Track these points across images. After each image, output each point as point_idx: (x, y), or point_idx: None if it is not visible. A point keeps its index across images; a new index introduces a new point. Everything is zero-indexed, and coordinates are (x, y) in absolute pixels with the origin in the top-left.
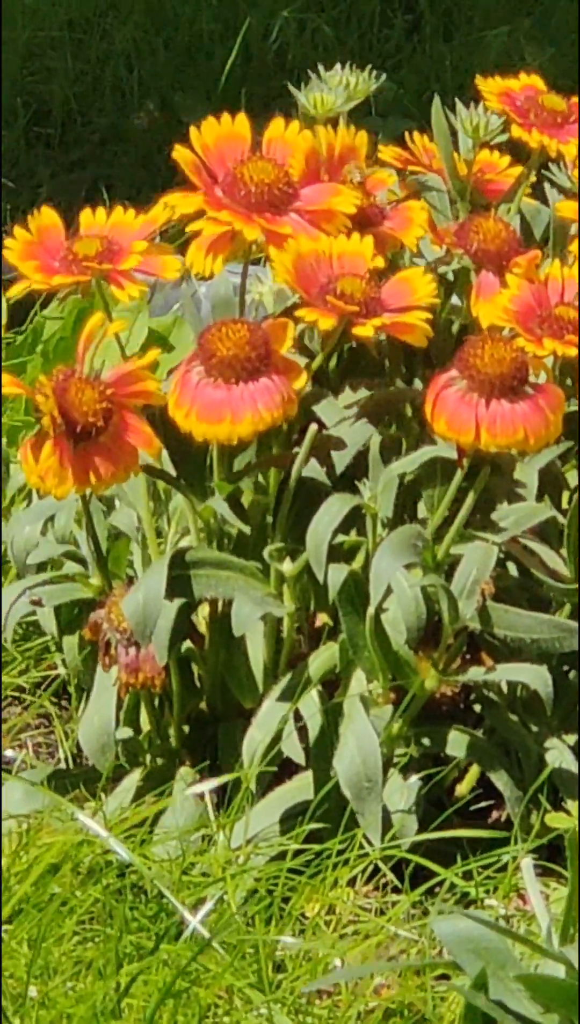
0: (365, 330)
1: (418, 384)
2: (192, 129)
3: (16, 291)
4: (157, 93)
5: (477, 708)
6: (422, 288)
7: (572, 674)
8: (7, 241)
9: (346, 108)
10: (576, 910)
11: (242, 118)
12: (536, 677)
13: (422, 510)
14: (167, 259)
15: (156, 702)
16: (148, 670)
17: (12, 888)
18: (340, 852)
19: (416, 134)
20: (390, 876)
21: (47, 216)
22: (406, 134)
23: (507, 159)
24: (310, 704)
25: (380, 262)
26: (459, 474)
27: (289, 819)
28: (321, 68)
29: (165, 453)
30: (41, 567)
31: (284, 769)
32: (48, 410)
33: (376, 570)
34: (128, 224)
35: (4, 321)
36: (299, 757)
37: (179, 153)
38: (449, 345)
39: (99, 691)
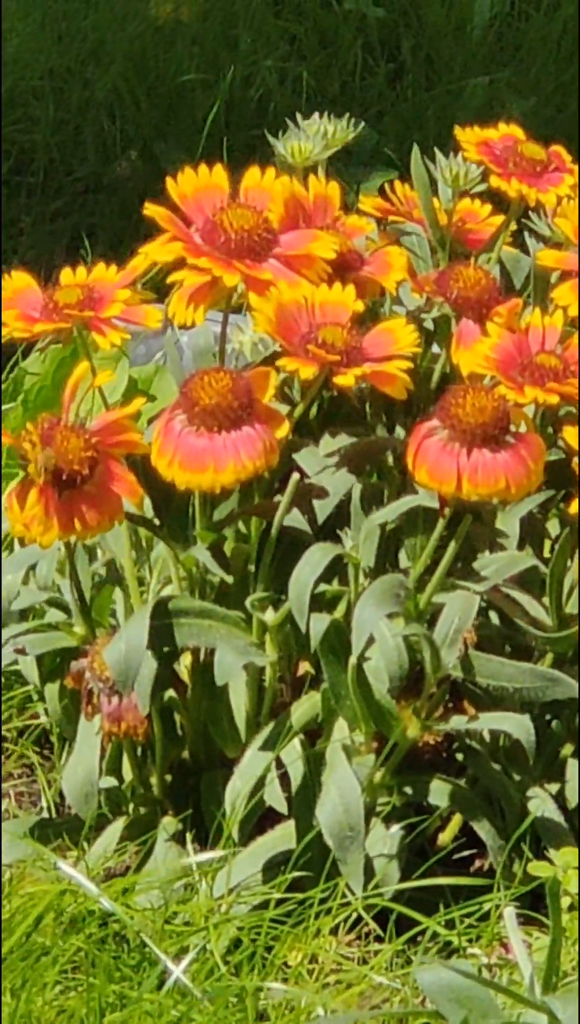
0: (346, 379)
1: (399, 432)
2: (169, 180)
3: None
4: (139, 142)
5: (460, 757)
6: (404, 338)
7: (554, 723)
8: None
9: (324, 156)
10: (558, 959)
11: (219, 168)
12: (518, 726)
13: (404, 559)
14: (149, 308)
15: (139, 751)
16: (131, 719)
17: None
18: (323, 901)
19: (397, 183)
20: (373, 925)
21: (20, 279)
22: (386, 184)
23: (488, 208)
24: (292, 753)
25: (359, 306)
26: (441, 523)
27: (272, 868)
28: (299, 117)
29: (147, 501)
30: (23, 616)
31: (266, 818)
32: (35, 457)
33: (358, 619)
34: (108, 279)
35: None
36: (281, 806)
37: (152, 210)
38: (430, 394)
39: (82, 740)
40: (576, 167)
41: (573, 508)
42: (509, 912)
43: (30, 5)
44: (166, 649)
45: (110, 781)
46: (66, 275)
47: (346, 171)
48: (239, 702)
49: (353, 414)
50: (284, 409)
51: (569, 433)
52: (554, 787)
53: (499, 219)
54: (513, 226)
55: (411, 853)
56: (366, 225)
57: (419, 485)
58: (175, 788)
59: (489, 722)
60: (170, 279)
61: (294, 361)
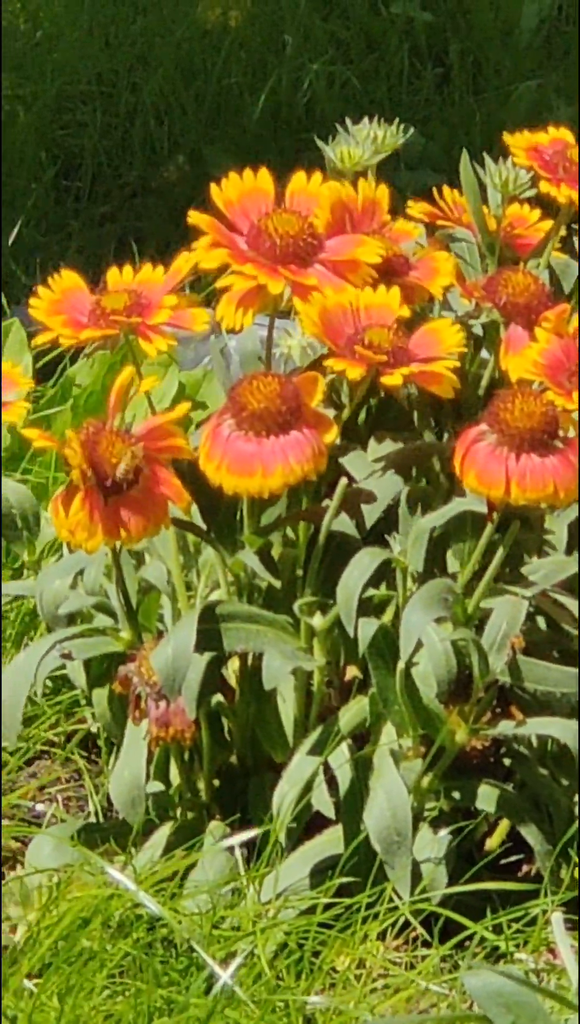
0: (393, 379)
1: (447, 437)
2: (213, 186)
3: (42, 340)
4: (186, 146)
5: (507, 762)
6: (450, 339)
7: None
8: (32, 300)
9: (373, 161)
10: None
11: (264, 173)
12: (566, 731)
13: (452, 564)
14: (196, 312)
15: (186, 756)
16: (178, 724)
17: (42, 941)
18: (370, 906)
19: (446, 188)
20: (420, 930)
21: (69, 278)
22: (434, 189)
23: (538, 213)
24: (340, 757)
25: (406, 312)
26: (489, 528)
27: (319, 873)
28: (349, 121)
29: (195, 507)
30: (71, 620)
31: (314, 823)
32: (77, 464)
33: (406, 624)
34: (156, 280)
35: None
36: (329, 811)
37: (196, 217)
38: (478, 399)
39: (129, 745)
40: None
41: None
42: (557, 917)
43: (78, 10)
44: (214, 654)
45: (157, 786)
46: (113, 276)
47: (393, 176)
48: (287, 707)
49: (401, 419)
50: (332, 413)
51: None
52: None
53: (548, 224)
54: (563, 231)
55: (458, 858)
56: (413, 230)
57: (467, 490)
58: (223, 793)
59: (536, 727)
60: (218, 284)
61: (341, 362)
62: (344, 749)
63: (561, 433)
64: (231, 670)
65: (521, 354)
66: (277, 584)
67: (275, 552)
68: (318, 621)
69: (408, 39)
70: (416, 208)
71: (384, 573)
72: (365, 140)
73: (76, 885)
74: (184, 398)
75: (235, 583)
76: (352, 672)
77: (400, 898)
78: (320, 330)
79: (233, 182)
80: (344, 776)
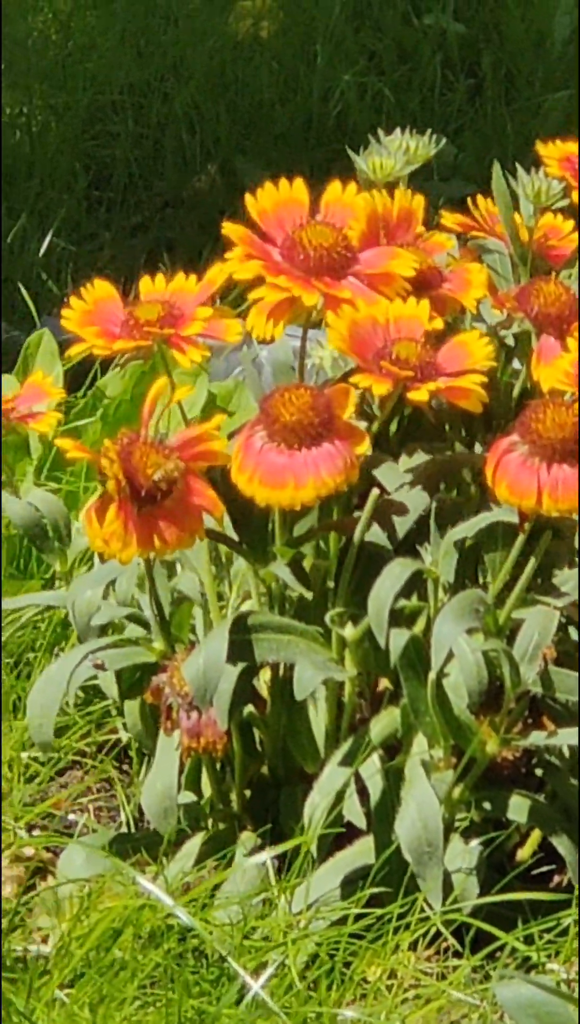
0: (419, 395)
1: (478, 448)
2: (248, 196)
3: (76, 351)
4: (218, 157)
5: (538, 772)
6: (479, 352)
7: None
8: (64, 311)
9: (405, 172)
10: None
11: (299, 183)
12: None
13: (483, 574)
14: (229, 323)
15: (218, 766)
16: (210, 734)
17: (73, 952)
18: (401, 916)
19: (479, 198)
20: (451, 940)
21: (101, 288)
22: (467, 199)
23: (571, 223)
24: (371, 768)
25: (438, 323)
26: (520, 538)
27: (350, 883)
28: (381, 132)
29: (227, 517)
30: (103, 631)
31: (345, 833)
32: (112, 474)
33: (438, 635)
34: (188, 289)
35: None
36: (360, 821)
37: (229, 228)
38: (510, 409)
39: (161, 755)
40: None
41: None
42: None
43: (110, 21)
44: (245, 664)
45: (189, 796)
46: (145, 284)
47: (425, 186)
48: (318, 717)
49: (432, 430)
50: (363, 425)
51: None
52: None
53: None
54: None
55: (490, 868)
56: (447, 242)
57: (499, 500)
58: (254, 803)
59: (568, 737)
60: (250, 296)
61: (368, 377)
62: (375, 760)
63: None
64: (263, 681)
65: (553, 364)
66: (309, 595)
67: (307, 563)
68: (350, 632)
69: (441, 50)
70: (449, 219)
71: (415, 584)
72: (397, 151)
73: (108, 895)
74: (215, 408)
75: (267, 594)
76: (383, 683)
77: (431, 908)
78: (347, 345)
79: (268, 192)
80: (375, 787)
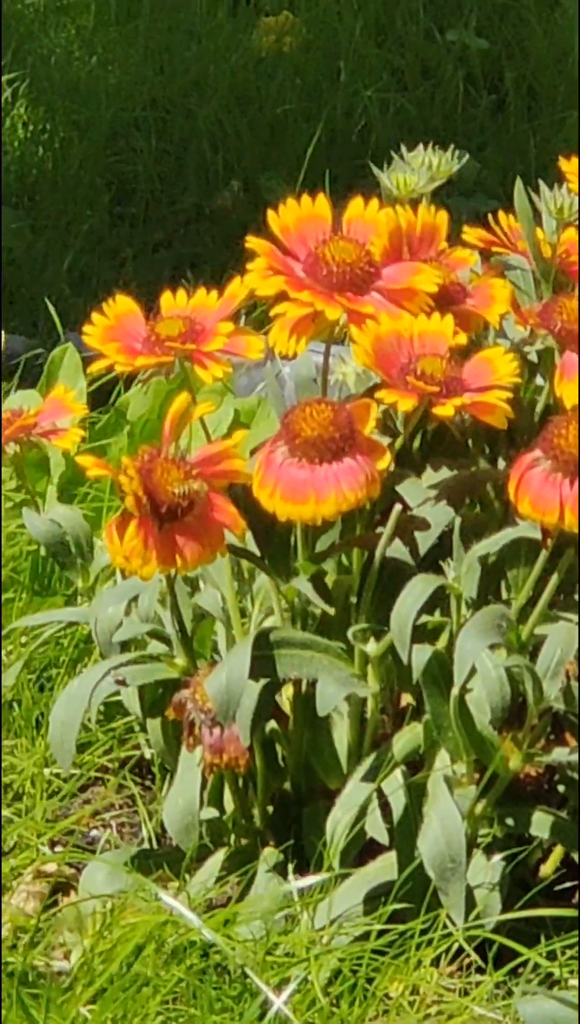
0: (445, 410)
1: (501, 464)
2: (270, 212)
3: (98, 367)
4: (241, 173)
5: (561, 788)
6: (503, 367)
7: None
8: (86, 327)
9: (429, 188)
10: None
11: (322, 199)
12: None
13: (506, 590)
14: (251, 339)
15: (240, 782)
16: (232, 751)
17: (96, 968)
18: (424, 932)
19: (500, 215)
20: (474, 956)
21: (123, 304)
22: (489, 215)
23: None
24: (394, 784)
25: (462, 339)
26: (543, 555)
27: (373, 899)
28: (403, 148)
29: (249, 533)
30: (125, 647)
31: (368, 849)
32: (131, 490)
33: (460, 651)
34: (210, 305)
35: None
36: (383, 837)
37: (253, 243)
38: (533, 425)
39: (183, 771)
40: None
41: None
42: None
43: (133, 37)
44: (268, 680)
45: (211, 812)
46: (167, 301)
47: (448, 202)
48: (341, 733)
49: (455, 446)
50: (386, 440)
51: None
52: None
53: None
54: None
55: (512, 884)
56: (470, 257)
57: (522, 516)
58: (276, 819)
59: None
60: (273, 311)
61: (393, 393)
62: (398, 775)
63: None
64: (285, 697)
65: (575, 381)
66: (331, 611)
67: (329, 579)
68: (372, 648)
69: (463, 66)
70: (472, 234)
71: (438, 600)
72: (420, 167)
73: (130, 911)
74: (238, 425)
75: (289, 610)
76: (406, 699)
77: (454, 924)
78: (372, 360)
79: (290, 208)
80: (398, 802)
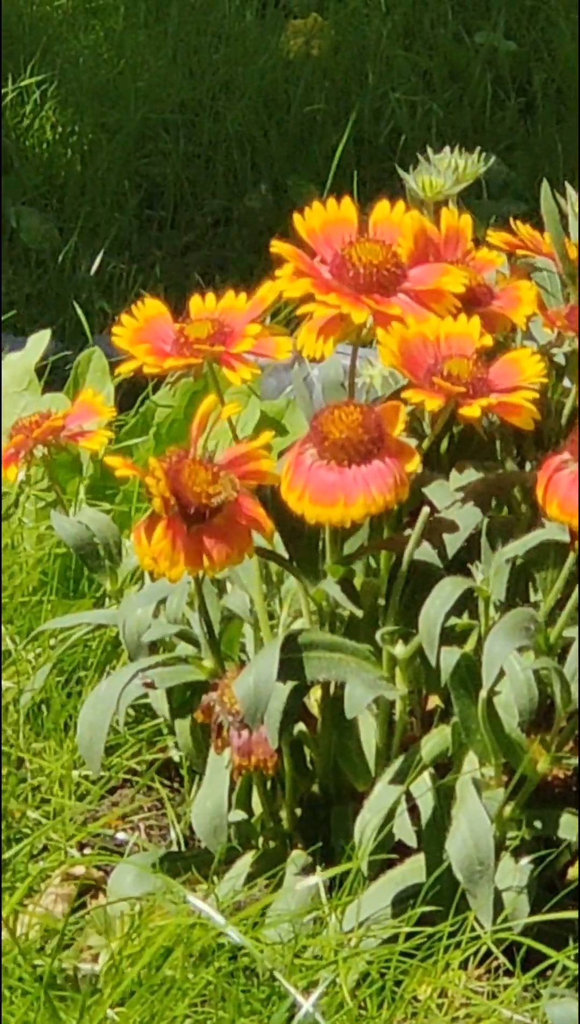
0: (472, 411)
1: (529, 467)
2: (296, 215)
3: (126, 368)
4: (269, 175)
5: None
6: (530, 368)
7: None
8: (115, 328)
9: (455, 191)
10: None
11: (347, 202)
12: None
13: (534, 593)
14: (279, 341)
15: (268, 785)
16: (261, 753)
17: (124, 970)
18: (452, 935)
19: (518, 224)
20: (502, 959)
21: (153, 306)
22: (514, 218)
23: None
24: (422, 786)
25: (488, 340)
26: (572, 557)
27: (401, 902)
28: (430, 150)
29: (277, 535)
30: (153, 649)
31: (396, 852)
32: (159, 492)
33: (489, 653)
34: (238, 308)
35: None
36: (411, 839)
37: (279, 246)
38: (560, 428)
39: (211, 774)
40: None
41: None
42: None
43: (162, 39)
44: (296, 683)
45: (239, 815)
46: (196, 304)
47: (476, 205)
48: (369, 736)
49: (483, 448)
50: (414, 443)
51: None
52: None
53: None
54: None
55: (540, 887)
56: (496, 259)
57: (550, 518)
58: (305, 822)
59: None
60: (300, 312)
61: (420, 393)
62: (426, 778)
63: None
64: (313, 699)
65: None
66: (359, 613)
67: (357, 581)
68: (400, 650)
69: (492, 68)
70: (497, 237)
71: (466, 602)
72: (446, 169)
73: (158, 914)
74: (267, 427)
75: (317, 612)
76: (434, 701)
77: (482, 927)
78: (399, 361)
79: (316, 211)
80: (426, 805)
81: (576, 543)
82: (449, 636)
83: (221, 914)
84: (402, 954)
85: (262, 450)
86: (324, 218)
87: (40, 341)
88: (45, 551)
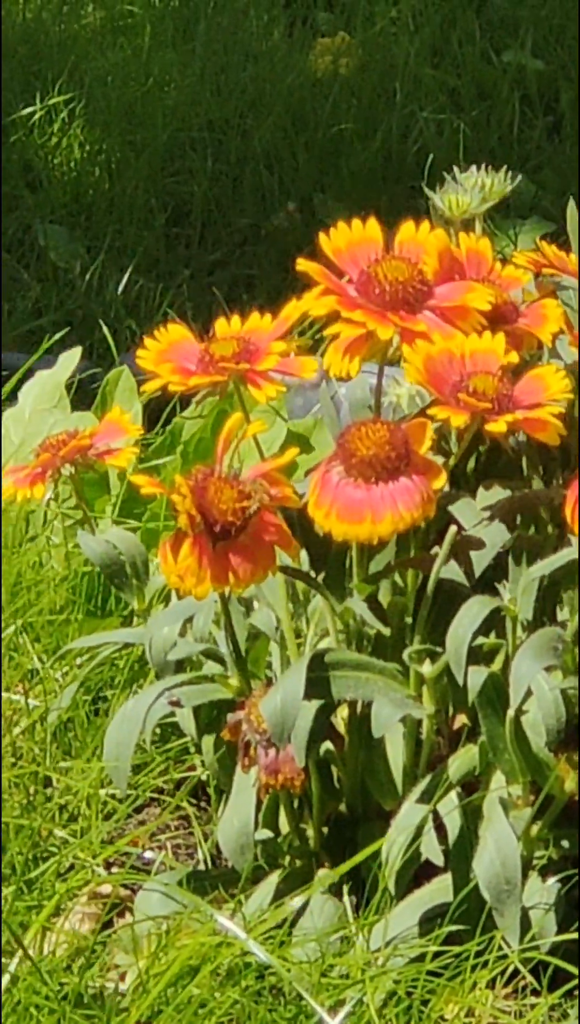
0: (498, 426)
1: (555, 485)
2: (321, 235)
3: (151, 387)
4: (297, 194)
5: None
6: (555, 384)
7: None
8: (140, 351)
9: (481, 210)
10: None
11: (373, 222)
12: None
13: (561, 612)
14: (305, 360)
15: (295, 803)
16: (288, 771)
17: (151, 989)
18: (479, 954)
19: (544, 242)
20: (529, 978)
21: (176, 331)
22: (540, 238)
23: None
24: (449, 805)
25: (514, 358)
26: None
27: (428, 921)
28: (456, 169)
29: (304, 554)
30: (180, 667)
31: (423, 871)
32: (184, 509)
33: (516, 672)
34: (264, 328)
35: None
36: (438, 859)
37: (305, 265)
38: None
39: (238, 792)
40: None
41: None
42: None
43: (189, 57)
44: (323, 701)
45: (266, 833)
46: (221, 326)
47: (504, 223)
48: (396, 755)
49: (510, 467)
50: (440, 460)
51: None
52: None
53: None
54: None
55: (568, 906)
56: (522, 276)
57: (577, 537)
58: (332, 840)
59: None
60: (326, 332)
61: (446, 409)
62: (453, 797)
63: None
64: (340, 718)
65: None
66: (386, 632)
67: (384, 599)
68: (427, 669)
69: (519, 87)
70: (522, 257)
71: (493, 621)
72: (473, 188)
73: (185, 933)
74: (295, 445)
75: (344, 631)
76: (461, 720)
77: (509, 946)
78: (424, 378)
79: (342, 231)
80: (453, 824)
81: None
82: (476, 655)
83: (248, 933)
84: (429, 973)
85: (285, 471)
86: (350, 238)
87: (71, 359)
88: (72, 569)
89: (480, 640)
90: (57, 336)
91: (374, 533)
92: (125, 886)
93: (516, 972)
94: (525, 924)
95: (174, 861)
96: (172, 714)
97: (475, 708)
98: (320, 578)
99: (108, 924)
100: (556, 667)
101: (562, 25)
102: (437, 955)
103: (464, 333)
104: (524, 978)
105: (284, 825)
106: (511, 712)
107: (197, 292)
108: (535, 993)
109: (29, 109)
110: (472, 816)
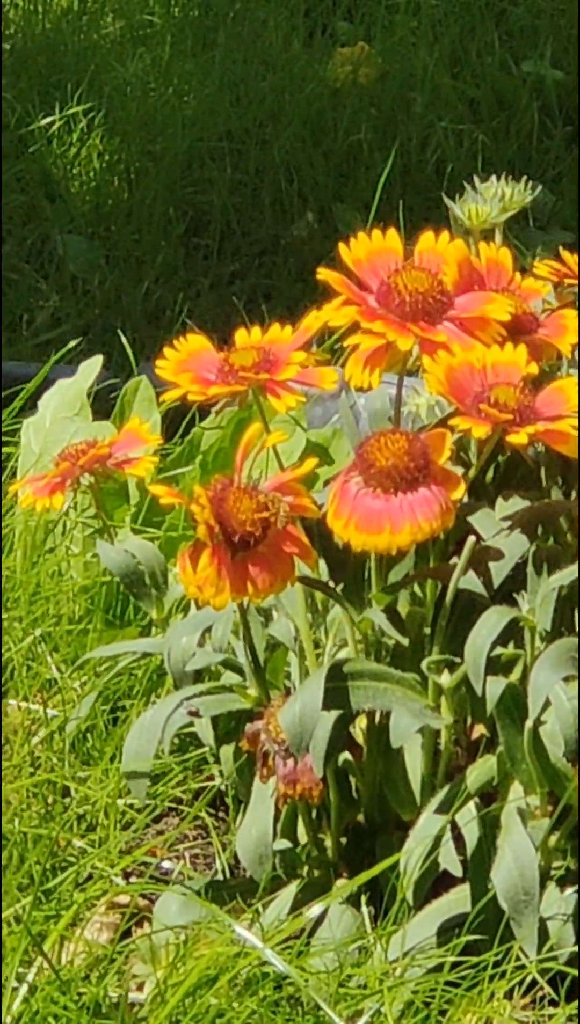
0: (519, 438)
1: (575, 496)
2: (342, 246)
3: (170, 396)
4: (316, 204)
5: None
6: (576, 397)
7: None
8: (159, 361)
9: (501, 219)
10: None
11: (392, 233)
12: None
13: None
14: (325, 370)
15: (314, 814)
16: (306, 781)
17: (169, 999)
18: (497, 964)
19: (565, 252)
20: (547, 989)
21: (195, 341)
22: (559, 248)
23: None
24: (467, 816)
25: (534, 369)
26: None
27: (446, 931)
28: (476, 179)
29: (323, 564)
30: (198, 677)
31: (441, 881)
32: (203, 519)
33: (535, 683)
34: (284, 339)
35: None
36: (456, 869)
37: (325, 274)
38: None
39: (256, 802)
40: None
41: None
42: None
43: (208, 67)
44: (341, 711)
45: (284, 843)
46: (241, 336)
47: (523, 234)
48: (415, 765)
49: (529, 477)
50: (460, 471)
51: None
52: None
53: None
54: None
55: None
56: (542, 287)
57: None
58: (350, 851)
59: None
60: (346, 342)
61: (467, 420)
62: (472, 807)
63: None
64: (359, 728)
65: None
66: (405, 642)
67: (403, 610)
68: (446, 679)
69: (539, 97)
70: (542, 268)
71: (512, 632)
72: (492, 198)
73: (203, 942)
74: (314, 455)
75: (363, 641)
76: (479, 730)
77: (527, 957)
78: (446, 389)
79: (362, 242)
80: (471, 834)
81: None
82: (495, 665)
83: (266, 943)
84: (447, 983)
85: (304, 481)
86: (370, 248)
87: (92, 367)
88: (91, 579)
89: (499, 650)
90: (70, 345)
91: (393, 543)
92: (144, 896)
93: (534, 983)
94: (543, 935)
95: (192, 871)
96: (190, 724)
97: (493, 718)
98: (339, 588)
99: (126, 934)
100: (574, 677)
101: None
102: (455, 965)
103: (484, 344)
104: (542, 989)
105: (302, 835)
106: (529, 723)
107: (216, 302)
108: (553, 1004)
109: (48, 119)
110: (490, 826)
